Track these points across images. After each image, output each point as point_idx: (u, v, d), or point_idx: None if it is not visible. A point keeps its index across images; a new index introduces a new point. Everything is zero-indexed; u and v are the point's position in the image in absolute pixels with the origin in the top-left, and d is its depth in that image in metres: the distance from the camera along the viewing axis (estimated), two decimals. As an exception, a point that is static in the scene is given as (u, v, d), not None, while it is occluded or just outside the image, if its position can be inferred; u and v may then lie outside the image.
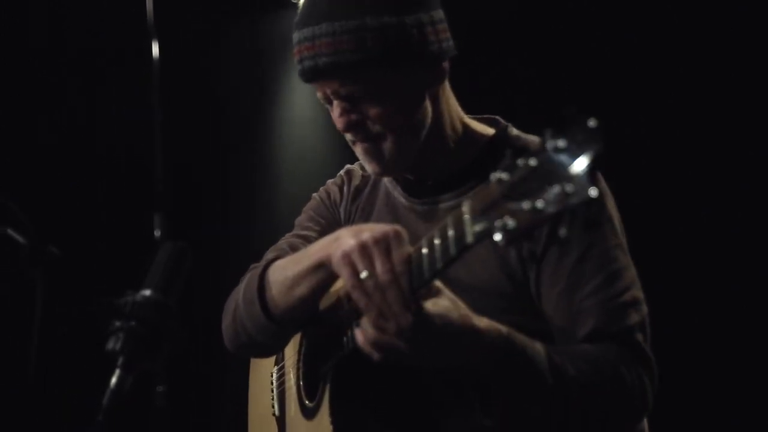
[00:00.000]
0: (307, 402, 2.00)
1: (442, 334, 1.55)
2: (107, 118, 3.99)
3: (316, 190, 2.16)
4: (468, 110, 1.99)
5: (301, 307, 1.83)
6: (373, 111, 1.82)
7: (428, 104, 1.87)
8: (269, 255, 2.00)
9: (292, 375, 2.11)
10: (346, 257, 1.57)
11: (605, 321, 1.75)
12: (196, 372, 3.92)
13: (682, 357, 3.38)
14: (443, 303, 1.57)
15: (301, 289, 1.79)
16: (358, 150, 1.90)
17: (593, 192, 1.17)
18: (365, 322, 1.57)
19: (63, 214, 3.71)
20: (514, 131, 1.96)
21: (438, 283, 1.58)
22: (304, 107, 4.38)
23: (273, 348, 2.10)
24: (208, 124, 4.26)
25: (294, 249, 1.98)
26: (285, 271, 1.83)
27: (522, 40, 3.94)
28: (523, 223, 1.24)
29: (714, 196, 3.66)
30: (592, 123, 1.19)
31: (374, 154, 1.87)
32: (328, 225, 2.05)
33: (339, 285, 1.79)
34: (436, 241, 1.45)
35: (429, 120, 1.88)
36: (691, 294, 3.64)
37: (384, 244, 1.54)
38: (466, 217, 1.34)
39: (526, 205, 1.23)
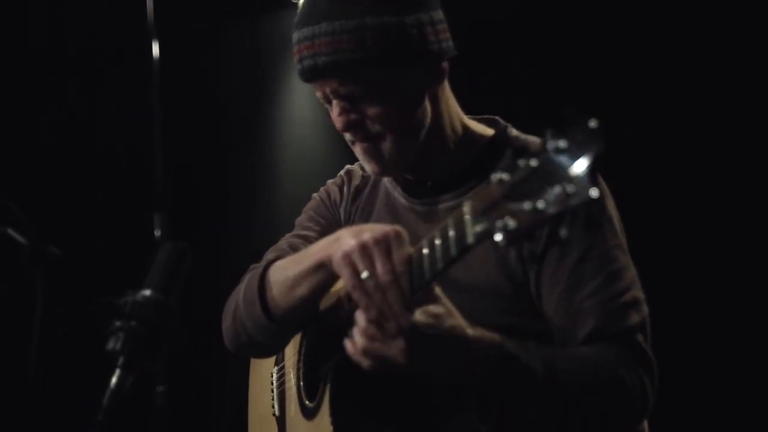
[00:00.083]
0: (307, 402, 2.00)
1: (429, 343, 1.56)
2: (107, 118, 3.99)
3: (316, 190, 2.16)
4: (468, 110, 1.98)
5: (302, 308, 1.83)
6: (372, 110, 1.82)
7: (428, 104, 1.87)
8: (269, 255, 2.00)
9: (292, 375, 2.11)
10: (347, 257, 1.57)
11: (605, 321, 1.74)
12: (196, 372, 3.92)
13: (682, 357, 3.37)
14: (435, 311, 1.57)
15: (302, 290, 1.79)
16: (358, 150, 1.90)
17: (594, 192, 1.17)
18: (355, 331, 1.57)
19: (63, 214, 3.70)
20: (514, 132, 1.96)
21: (438, 290, 1.58)
22: (304, 107, 4.38)
23: (273, 348, 2.10)
24: (208, 124, 4.26)
25: (294, 249, 1.98)
26: (285, 271, 1.83)
27: (522, 40, 3.94)
28: (524, 224, 1.24)
29: (714, 196, 3.66)
30: (592, 123, 1.19)
31: (373, 153, 1.87)
32: (329, 225, 2.05)
33: (339, 285, 1.79)
34: (437, 242, 1.45)
35: (428, 120, 1.88)
36: (691, 294, 3.64)
37: (384, 244, 1.54)
38: (467, 217, 1.34)
39: (527, 205, 1.23)
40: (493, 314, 1.77)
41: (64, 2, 3.95)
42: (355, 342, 1.58)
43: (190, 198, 4.13)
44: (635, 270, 1.83)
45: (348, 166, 2.15)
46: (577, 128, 1.20)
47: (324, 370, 1.91)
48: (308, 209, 2.13)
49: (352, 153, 1.94)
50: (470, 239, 1.34)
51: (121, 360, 1.35)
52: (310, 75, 1.83)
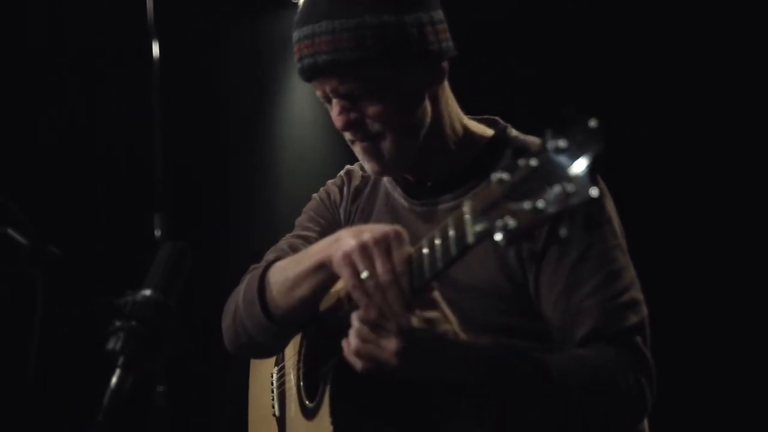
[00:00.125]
0: (307, 402, 2.00)
1: (421, 347, 1.56)
2: (107, 118, 3.99)
3: (316, 190, 2.16)
4: (468, 110, 1.99)
5: (302, 308, 1.83)
6: (372, 109, 1.82)
7: (427, 104, 1.87)
8: (269, 256, 2.00)
9: (292, 375, 2.11)
10: (347, 258, 1.57)
11: (604, 322, 1.74)
12: (196, 372, 3.92)
13: (682, 357, 3.37)
14: (429, 315, 1.57)
15: (302, 290, 1.79)
16: (357, 149, 1.90)
17: (594, 192, 1.18)
18: (351, 332, 1.58)
19: (63, 214, 3.71)
20: (513, 132, 1.96)
21: (436, 294, 1.59)
22: (304, 107, 4.38)
23: (273, 348, 2.10)
24: (208, 124, 4.26)
25: (294, 250, 1.98)
26: (285, 271, 1.83)
27: (522, 40, 3.94)
28: (524, 223, 1.24)
29: (714, 196, 3.66)
30: (592, 123, 1.19)
31: (373, 153, 1.87)
32: (328, 225, 2.05)
33: (339, 286, 1.79)
34: (437, 242, 1.45)
35: (428, 120, 1.88)
36: (691, 294, 3.64)
37: (384, 244, 1.54)
38: (467, 217, 1.34)
39: (526, 205, 1.23)
40: (492, 314, 1.77)
41: (64, 2, 3.95)
42: (350, 341, 1.59)
43: (190, 198, 4.13)
44: (634, 271, 1.83)
45: (348, 167, 2.15)
46: (576, 128, 1.20)
47: (324, 371, 1.91)
48: (308, 209, 2.13)
49: (352, 153, 1.94)
50: (470, 239, 1.34)
51: (121, 360, 1.35)
52: (310, 74, 1.83)
